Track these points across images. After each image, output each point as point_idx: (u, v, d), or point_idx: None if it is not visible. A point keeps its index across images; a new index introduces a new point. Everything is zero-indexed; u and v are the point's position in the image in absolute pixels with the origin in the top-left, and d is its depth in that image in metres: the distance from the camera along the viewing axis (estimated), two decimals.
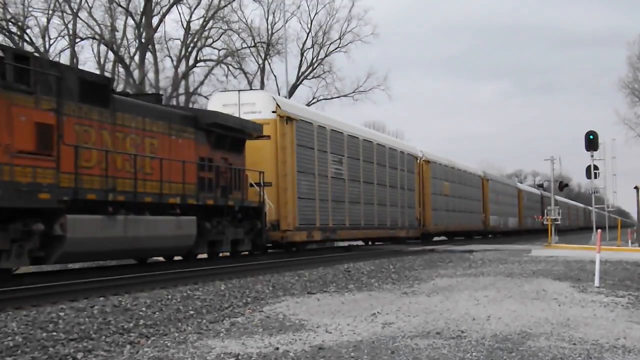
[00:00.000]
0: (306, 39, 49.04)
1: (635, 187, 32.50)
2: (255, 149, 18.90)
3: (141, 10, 39.69)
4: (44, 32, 38.76)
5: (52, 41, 39.33)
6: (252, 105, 20.04)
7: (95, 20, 39.01)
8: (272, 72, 48.23)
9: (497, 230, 47.04)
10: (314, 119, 22.16)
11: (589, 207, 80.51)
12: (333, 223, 22.59)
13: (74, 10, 37.57)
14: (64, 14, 37.27)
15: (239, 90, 21.84)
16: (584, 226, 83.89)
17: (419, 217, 31.19)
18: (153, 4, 39.74)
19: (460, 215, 37.47)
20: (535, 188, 67.92)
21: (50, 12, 37.57)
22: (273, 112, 19.68)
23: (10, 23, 35.91)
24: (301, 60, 49.19)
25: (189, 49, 42.47)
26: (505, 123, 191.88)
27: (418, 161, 31.82)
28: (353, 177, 24.44)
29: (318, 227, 21.58)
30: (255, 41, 46.39)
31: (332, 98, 50.59)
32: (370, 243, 30.66)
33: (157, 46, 40.46)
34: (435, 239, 36.88)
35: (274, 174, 19.44)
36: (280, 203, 19.49)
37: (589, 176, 33.13)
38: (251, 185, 18.26)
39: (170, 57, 42.99)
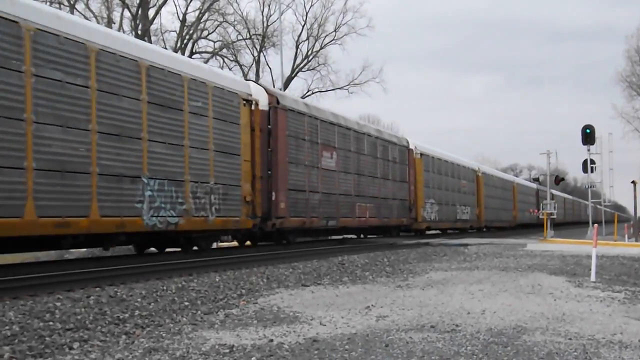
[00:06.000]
0: (301, 31, 49.15)
1: (633, 182, 32.58)
2: None
3: (137, 2, 39.59)
4: None
5: None
6: None
7: (92, 12, 38.96)
8: (268, 64, 48.59)
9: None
10: None
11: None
12: None
13: (71, 2, 37.45)
14: (61, 6, 37.12)
15: None
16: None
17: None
18: None
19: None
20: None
21: (47, 3, 37.45)
22: None
23: None
24: (296, 53, 49.28)
25: (185, 41, 42.41)
26: (498, 116, 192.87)
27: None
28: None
29: None
30: (251, 33, 46.41)
31: (327, 90, 50.79)
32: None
33: (153, 38, 40.36)
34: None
35: None
36: None
37: (585, 170, 33.17)
38: None
39: (166, 49, 42.94)
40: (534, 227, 56.16)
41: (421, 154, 31.43)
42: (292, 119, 19.52)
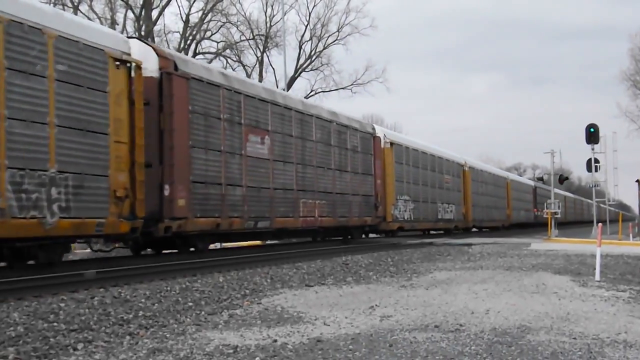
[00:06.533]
0: (304, 32, 49.21)
1: (637, 181, 32.56)
2: None
3: (141, 3, 39.67)
4: None
5: None
6: None
7: (96, 13, 39.06)
8: (271, 64, 48.65)
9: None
10: None
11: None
12: None
13: (75, 4, 37.54)
14: (65, 7, 37.20)
15: None
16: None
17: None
18: None
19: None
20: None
21: (52, 4, 37.52)
22: None
23: None
24: (299, 53, 49.32)
25: (188, 42, 42.49)
26: (502, 116, 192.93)
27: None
28: None
29: None
30: (254, 34, 46.50)
31: (330, 91, 50.82)
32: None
33: (156, 39, 40.41)
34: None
35: None
36: None
37: (589, 169, 33.12)
38: None
39: (170, 49, 42.98)
40: (532, 227, 54.27)
41: (391, 143, 26.92)
42: (200, 92, 15.30)
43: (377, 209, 25.03)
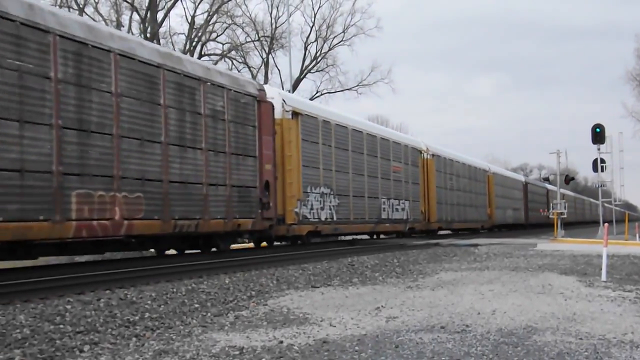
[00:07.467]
0: (310, 33, 49.30)
1: None
2: None
3: (146, 5, 39.82)
4: None
5: None
6: None
7: (101, 15, 39.25)
8: (276, 66, 48.69)
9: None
10: None
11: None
12: None
13: (80, 6, 37.67)
14: (70, 10, 37.33)
15: None
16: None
17: None
18: None
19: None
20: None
21: (57, 7, 37.62)
22: None
23: None
24: (305, 54, 49.44)
25: (194, 44, 42.60)
26: (508, 116, 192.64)
27: None
28: None
29: None
30: (259, 35, 46.60)
31: (335, 92, 50.89)
32: None
33: (162, 41, 40.53)
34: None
35: None
36: None
37: (595, 169, 33.04)
38: None
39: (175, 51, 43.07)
40: (522, 229, 48.95)
41: (296, 113, 19.53)
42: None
43: (265, 206, 17.51)
